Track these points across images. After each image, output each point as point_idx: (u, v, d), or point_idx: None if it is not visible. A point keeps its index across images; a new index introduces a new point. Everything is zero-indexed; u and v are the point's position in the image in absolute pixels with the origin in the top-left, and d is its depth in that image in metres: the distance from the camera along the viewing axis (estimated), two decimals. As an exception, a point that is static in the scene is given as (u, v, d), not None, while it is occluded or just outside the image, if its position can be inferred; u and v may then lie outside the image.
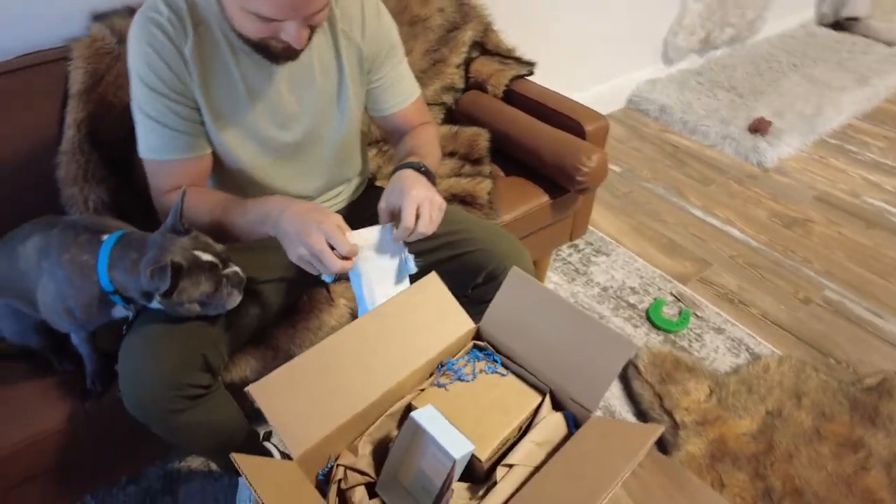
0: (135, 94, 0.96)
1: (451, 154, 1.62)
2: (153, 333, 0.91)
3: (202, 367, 0.95)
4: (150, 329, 0.92)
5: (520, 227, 1.50)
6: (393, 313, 0.82)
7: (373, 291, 0.93)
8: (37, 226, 0.94)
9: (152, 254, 0.85)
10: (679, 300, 1.82)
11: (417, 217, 0.92)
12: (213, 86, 0.97)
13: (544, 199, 1.52)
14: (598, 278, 1.90)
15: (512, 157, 1.62)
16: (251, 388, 0.72)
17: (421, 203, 0.93)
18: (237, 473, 1.18)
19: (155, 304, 0.90)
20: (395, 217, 0.95)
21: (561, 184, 1.52)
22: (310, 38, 0.91)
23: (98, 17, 1.28)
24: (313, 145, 1.10)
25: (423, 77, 1.67)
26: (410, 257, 0.96)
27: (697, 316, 1.77)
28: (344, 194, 1.24)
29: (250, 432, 1.13)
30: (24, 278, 0.93)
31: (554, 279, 1.90)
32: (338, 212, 1.21)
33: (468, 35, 1.72)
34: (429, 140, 1.17)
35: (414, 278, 0.91)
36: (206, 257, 0.88)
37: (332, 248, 0.87)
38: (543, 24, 2.27)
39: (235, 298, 0.94)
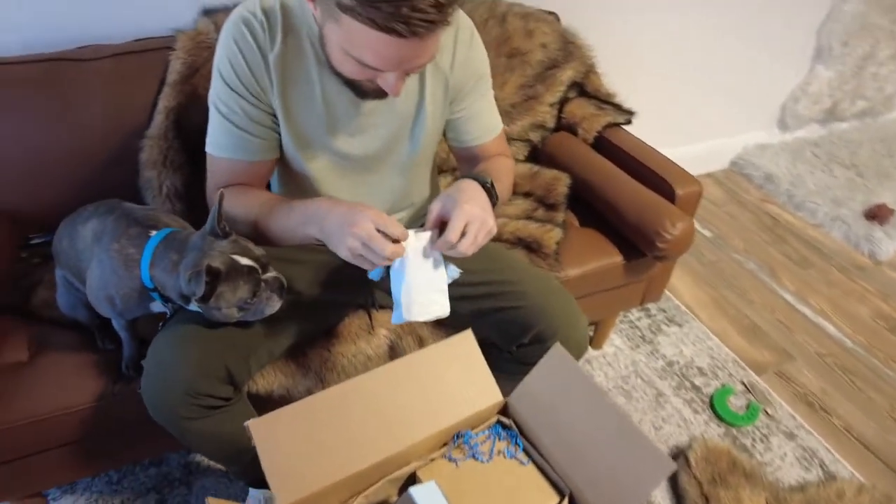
0: (214, 88, 0.96)
1: (527, 195, 1.55)
2: (181, 337, 0.91)
3: (224, 380, 0.93)
4: (179, 332, 0.91)
5: (584, 285, 1.40)
6: (418, 367, 0.76)
7: (410, 295, 0.87)
8: (98, 209, 0.97)
9: (191, 257, 0.84)
10: (750, 391, 1.65)
11: (463, 234, 0.86)
12: (292, 94, 0.96)
13: (617, 258, 1.42)
14: (665, 350, 1.76)
15: (591, 208, 1.52)
16: (251, 424, 0.68)
17: (471, 220, 0.85)
18: (248, 482, 1.18)
19: (193, 306, 0.89)
20: (442, 225, 0.88)
21: (639, 246, 1.41)
22: None
23: (207, 12, 1.33)
24: (383, 165, 1.07)
25: (512, 112, 1.62)
26: (451, 265, 0.90)
27: (767, 413, 1.59)
28: (410, 218, 1.21)
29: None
30: (80, 257, 0.95)
31: (617, 342, 1.78)
32: None
33: (568, 74, 1.65)
34: (503, 168, 1.11)
35: (452, 324, 0.86)
36: (245, 261, 0.86)
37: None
38: (651, 73, 2.16)
39: (275, 304, 0.92)
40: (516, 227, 1.41)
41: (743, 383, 1.68)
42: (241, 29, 0.91)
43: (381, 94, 0.88)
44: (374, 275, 0.89)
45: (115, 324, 1.01)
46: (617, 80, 1.79)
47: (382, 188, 1.11)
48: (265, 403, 1.14)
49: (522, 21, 1.58)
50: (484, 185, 0.94)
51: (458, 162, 1.22)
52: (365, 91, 0.89)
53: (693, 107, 2.37)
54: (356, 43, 0.75)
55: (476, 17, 1.54)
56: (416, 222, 1.23)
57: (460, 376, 0.77)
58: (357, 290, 1.15)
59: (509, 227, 1.40)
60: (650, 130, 2.27)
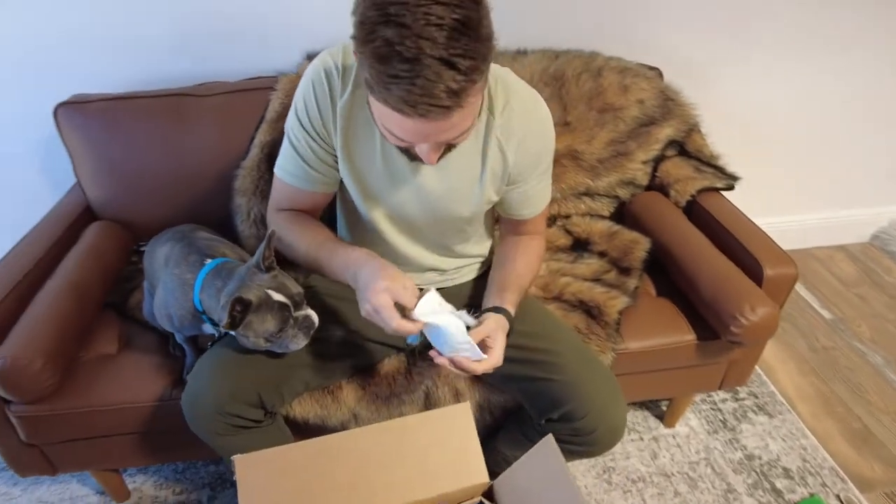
0: (289, 117, 1.04)
1: (602, 254, 1.48)
2: (220, 360, 0.99)
3: (255, 404, 1.00)
4: (220, 355, 1.00)
5: (647, 361, 1.31)
6: (412, 432, 0.76)
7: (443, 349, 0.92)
8: (174, 235, 1.09)
9: (231, 286, 0.92)
10: (846, 510, 1.43)
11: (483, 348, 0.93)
12: (353, 142, 1.00)
13: (688, 337, 1.31)
14: (747, 441, 1.58)
15: (670, 277, 1.42)
16: (237, 459, 0.72)
17: (494, 366, 0.94)
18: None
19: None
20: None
21: (712, 326, 1.29)
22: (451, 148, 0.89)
23: (310, 56, 1.45)
24: (438, 226, 1.09)
25: (599, 167, 1.57)
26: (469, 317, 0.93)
27: (865, 541, 1.36)
28: (460, 272, 1.22)
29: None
30: (155, 275, 1.08)
31: (692, 423, 1.63)
32: (451, 288, 1.19)
33: (665, 132, 1.57)
34: (534, 268, 1.15)
35: (487, 379, 0.88)
36: (278, 297, 0.92)
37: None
38: (775, 132, 1.97)
39: (300, 341, 0.97)
40: (580, 288, 1.35)
41: (839, 498, 1.45)
42: (320, 72, 0.98)
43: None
44: (410, 339, 0.93)
45: (177, 336, 1.13)
46: (726, 140, 1.67)
47: (436, 245, 1.14)
48: (301, 429, 1.20)
49: (619, 76, 1.53)
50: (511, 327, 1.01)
51: (500, 221, 1.21)
52: (413, 155, 0.91)
53: (829, 171, 2.13)
54: (382, 116, 0.78)
55: (569, 70, 1.52)
56: (470, 275, 1.23)
57: (451, 449, 0.76)
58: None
59: (572, 288, 1.35)
60: (771, 195, 2.08)
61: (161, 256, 1.05)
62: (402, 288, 0.87)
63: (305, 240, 1.06)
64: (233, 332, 0.94)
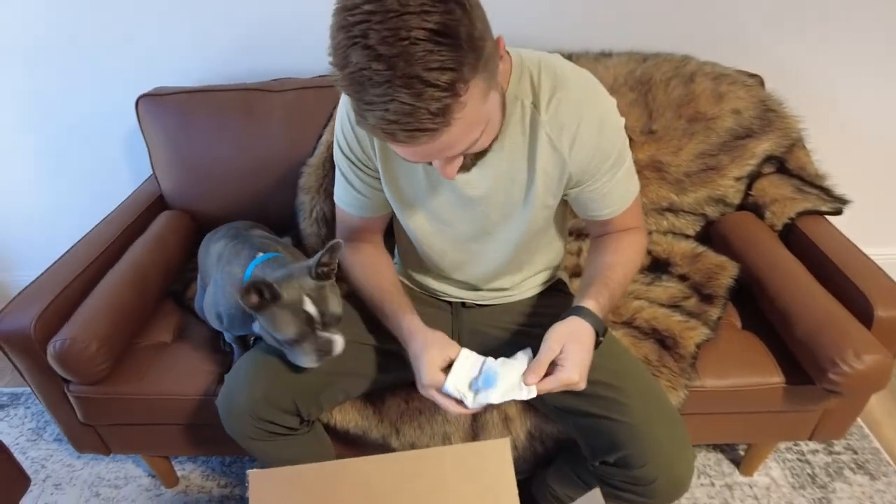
0: (334, 149, 1.00)
1: (682, 278, 1.34)
2: (258, 363, 0.95)
3: (290, 411, 0.96)
4: (261, 355, 0.96)
5: (725, 402, 1.16)
6: (440, 464, 0.69)
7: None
8: (228, 231, 1.07)
9: (277, 274, 0.89)
10: None
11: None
12: (393, 161, 0.94)
13: (776, 379, 1.15)
14: (841, 503, 1.38)
15: (759, 308, 1.26)
16: (251, 473, 0.68)
17: (566, 385, 0.82)
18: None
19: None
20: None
21: (806, 370, 1.12)
22: (480, 157, 0.81)
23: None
24: (488, 237, 1.00)
25: (685, 181, 1.43)
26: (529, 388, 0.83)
27: None
28: (521, 287, 1.13)
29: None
30: (207, 271, 1.06)
31: (774, 473, 1.45)
32: (514, 304, 1.11)
33: (763, 147, 1.40)
34: (628, 260, 0.99)
35: (542, 409, 0.80)
36: (310, 308, 0.87)
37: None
38: (884, 157, 1.73)
39: (310, 361, 0.92)
40: (654, 315, 1.22)
41: (954, 584, 1.23)
42: None
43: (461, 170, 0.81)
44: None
45: (226, 336, 1.11)
46: (835, 159, 1.48)
47: (486, 259, 1.04)
48: (342, 438, 1.15)
49: (713, 83, 1.39)
50: (597, 334, 0.87)
51: (585, 225, 1.10)
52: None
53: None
54: None
55: (658, 74, 1.40)
56: (533, 281, 1.14)
57: (482, 486, 0.67)
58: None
59: (645, 314, 1.23)
60: (884, 222, 1.84)
61: (214, 253, 1.04)
62: (427, 386, 0.87)
63: (370, 284, 1.03)
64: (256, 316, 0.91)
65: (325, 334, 0.90)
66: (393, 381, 1.10)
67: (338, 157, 0.99)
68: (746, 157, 1.41)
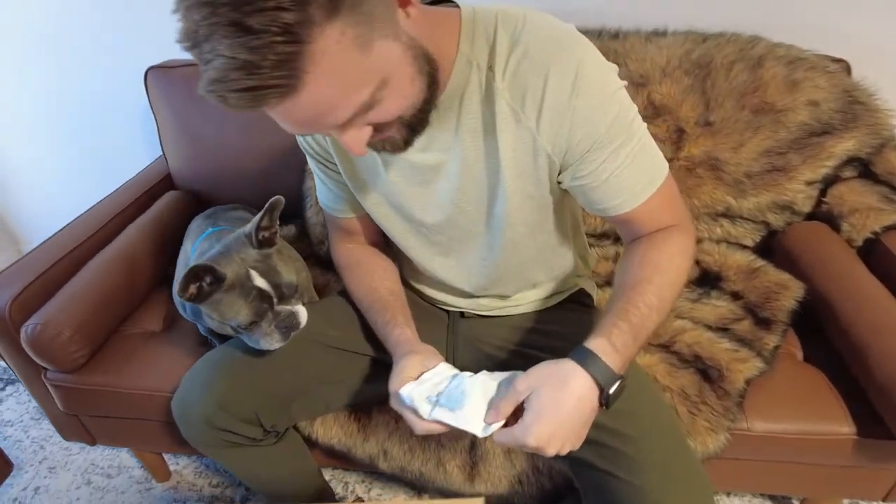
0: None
1: (735, 296, 1.14)
2: (218, 362, 0.85)
3: (251, 420, 0.84)
4: (224, 352, 0.86)
5: (777, 449, 0.97)
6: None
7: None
8: (211, 210, 0.97)
9: (211, 254, 0.78)
10: None
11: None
12: (353, 157, 0.82)
13: (844, 429, 0.94)
14: (915, 573, 1.15)
15: (827, 339, 1.05)
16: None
17: (538, 448, 0.63)
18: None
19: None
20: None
21: (884, 419, 0.91)
22: (411, 138, 0.66)
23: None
24: (464, 238, 0.84)
25: (745, 182, 1.22)
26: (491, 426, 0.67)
27: None
28: (526, 298, 0.96)
29: (321, 490, 1.00)
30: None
31: (834, 529, 1.23)
32: (517, 317, 0.95)
33: (844, 146, 1.18)
34: (664, 271, 0.73)
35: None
36: (260, 282, 0.76)
37: None
38: None
39: (274, 341, 0.80)
40: (698, 338, 1.04)
41: None
42: None
43: (383, 147, 0.68)
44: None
45: (199, 327, 1.01)
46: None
47: (473, 266, 0.88)
48: (327, 451, 1.03)
49: (786, 68, 1.17)
50: (602, 390, 0.65)
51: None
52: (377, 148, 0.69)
53: None
54: None
55: (719, 56, 1.19)
56: (543, 304, 0.97)
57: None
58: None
59: (688, 337, 1.04)
60: None
61: (188, 234, 0.94)
62: (393, 398, 0.75)
63: (363, 286, 0.91)
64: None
65: (285, 307, 0.78)
66: (381, 395, 0.97)
67: (306, 154, 0.88)
68: (822, 158, 1.19)
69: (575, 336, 0.71)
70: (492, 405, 0.67)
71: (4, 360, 1.14)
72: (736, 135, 1.20)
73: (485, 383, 0.69)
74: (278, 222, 0.85)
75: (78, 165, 1.77)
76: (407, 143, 0.66)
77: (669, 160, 1.19)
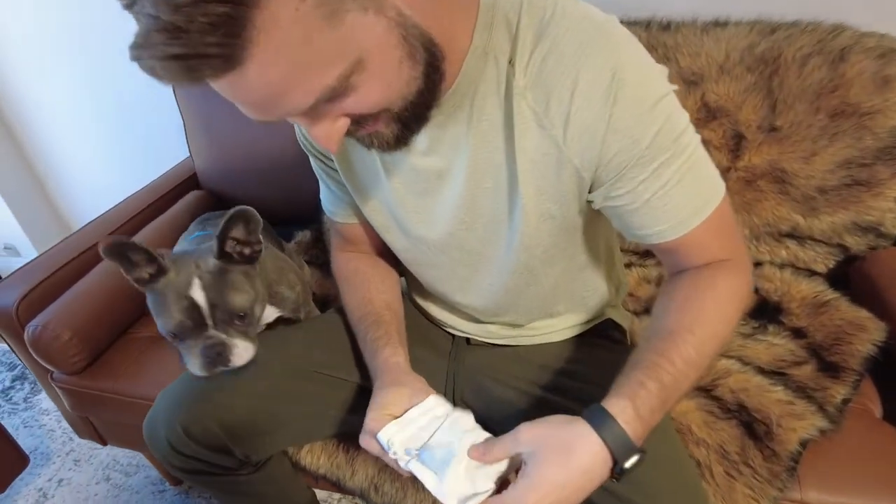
0: None
1: (797, 332, 0.97)
2: (188, 383, 0.78)
3: (220, 449, 0.77)
4: (188, 377, 0.78)
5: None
6: None
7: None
8: (208, 215, 0.92)
9: (174, 251, 0.75)
10: None
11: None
12: (351, 156, 0.73)
13: (926, 509, 0.76)
14: None
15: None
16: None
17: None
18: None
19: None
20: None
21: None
22: (402, 135, 0.56)
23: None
24: (468, 260, 0.73)
25: (818, 198, 1.04)
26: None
27: None
28: (541, 328, 0.84)
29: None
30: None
31: None
32: (532, 348, 0.84)
33: (948, 158, 0.97)
34: (709, 319, 0.61)
35: None
36: (196, 294, 0.70)
37: None
38: None
39: (195, 367, 0.73)
40: (746, 383, 0.88)
41: None
42: None
43: (370, 143, 0.57)
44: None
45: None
46: None
47: (481, 287, 0.76)
48: (316, 480, 0.95)
49: (877, 62, 0.98)
50: (616, 462, 0.54)
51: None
52: (359, 140, 0.58)
53: None
54: None
55: (790, 50, 1.02)
56: (568, 333, 0.85)
57: None
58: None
59: (733, 381, 0.88)
60: None
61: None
62: (365, 437, 0.65)
63: (356, 297, 0.83)
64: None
65: (218, 334, 0.71)
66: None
67: (309, 156, 0.80)
68: (919, 171, 0.99)
69: (598, 378, 0.61)
70: (480, 448, 0.58)
71: (19, 358, 1.14)
72: (808, 142, 1.02)
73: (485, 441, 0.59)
74: (260, 238, 0.78)
75: (128, 162, 1.79)
76: (400, 141, 0.56)
77: (725, 170, 1.06)
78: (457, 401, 0.83)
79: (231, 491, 0.85)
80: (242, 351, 0.73)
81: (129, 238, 0.68)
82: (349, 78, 0.47)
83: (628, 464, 0.54)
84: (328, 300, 1.16)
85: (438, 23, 0.51)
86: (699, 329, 0.60)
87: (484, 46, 0.57)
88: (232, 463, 0.79)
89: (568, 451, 0.54)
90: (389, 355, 0.73)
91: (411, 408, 0.64)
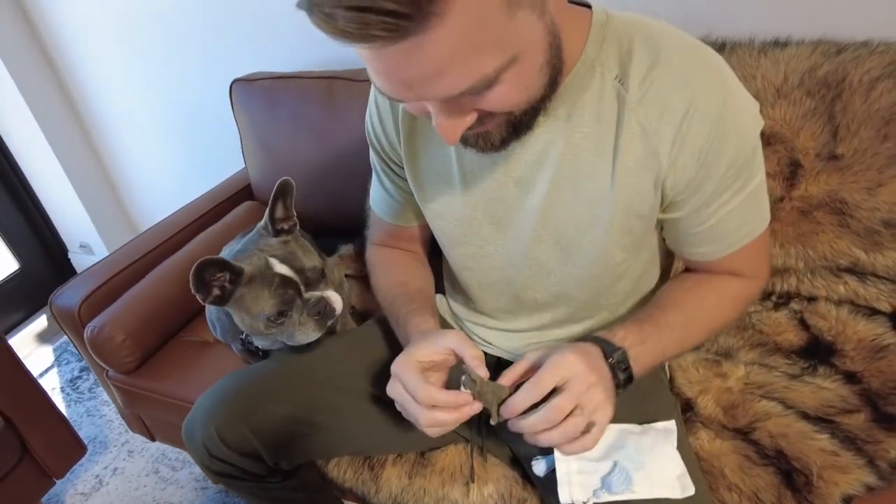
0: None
1: (850, 378, 0.90)
2: (226, 387, 0.81)
3: (252, 454, 0.80)
4: (231, 381, 0.82)
5: None
6: None
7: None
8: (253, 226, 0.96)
9: (234, 247, 0.77)
10: None
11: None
12: (421, 153, 0.74)
13: None
14: None
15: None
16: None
17: (570, 382, 0.58)
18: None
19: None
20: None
21: None
22: (512, 133, 0.57)
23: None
24: (538, 270, 0.73)
25: (882, 232, 0.97)
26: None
27: None
28: (582, 328, 0.82)
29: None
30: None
31: None
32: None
33: None
34: (708, 304, 0.72)
35: None
36: (282, 269, 0.73)
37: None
38: None
39: (310, 332, 0.76)
40: (786, 428, 0.82)
41: None
42: None
43: (477, 143, 0.59)
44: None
45: (233, 347, 1.00)
46: None
47: (539, 299, 0.77)
48: (343, 493, 0.97)
49: (953, 87, 0.90)
50: (608, 359, 0.62)
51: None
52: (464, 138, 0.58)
53: None
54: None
55: (856, 73, 0.95)
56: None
57: None
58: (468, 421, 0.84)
59: (773, 424, 0.83)
60: None
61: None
62: (403, 366, 0.65)
63: (391, 279, 0.85)
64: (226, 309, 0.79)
65: (314, 293, 0.75)
66: (399, 447, 0.89)
67: (371, 150, 0.83)
68: None
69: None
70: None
71: (79, 352, 1.22)
72: (872, 172, 0.95)
73: (645, 439, 0.69)
74: (292, 209, 0.82)
75: (191, 169, 1.89)
76: (504, 144, 0.58)
77: (779, 200, 1.01)
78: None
79: (262, 497, 0.88)
80: (337, 300, 0.77)
81: (212, 257, 0.71)
82: (502, 72, 0.47)
83: (612, 359, 0.62)
84: (367, 315, 1.17)
85: (563, 34, 0.53)
86: (685, 296, 0.71)
87: (592, 60, 0.60)
88: (262, 470, 0.82)
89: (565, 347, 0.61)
90: (420, 322, 0.74)
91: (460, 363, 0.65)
